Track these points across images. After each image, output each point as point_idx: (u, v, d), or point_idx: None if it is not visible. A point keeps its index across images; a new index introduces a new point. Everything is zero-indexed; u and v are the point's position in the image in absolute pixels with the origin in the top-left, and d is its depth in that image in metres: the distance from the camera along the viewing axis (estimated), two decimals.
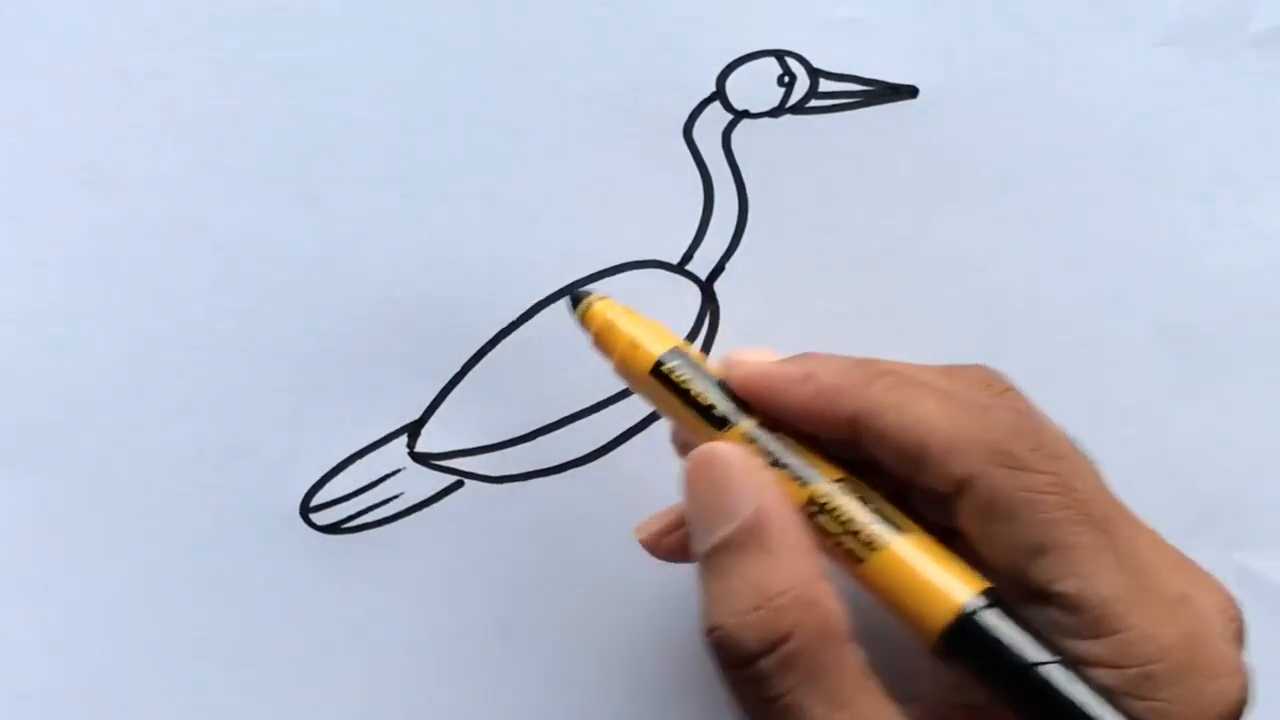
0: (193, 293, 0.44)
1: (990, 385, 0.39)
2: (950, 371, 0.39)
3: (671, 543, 0.41)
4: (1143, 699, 0.34)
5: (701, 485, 0.37)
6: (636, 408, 0.45)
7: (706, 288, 0.46)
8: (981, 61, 0.46)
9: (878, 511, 0.36)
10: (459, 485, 0.45)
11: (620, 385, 0.45)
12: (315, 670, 0.45)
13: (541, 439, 0.46)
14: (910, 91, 0.46)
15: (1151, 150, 0.47)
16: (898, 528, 0.36)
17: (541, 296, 0.45)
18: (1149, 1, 0.46)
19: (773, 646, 0.35)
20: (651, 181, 0.45)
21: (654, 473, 0.46)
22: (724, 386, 0.38)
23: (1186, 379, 0.47)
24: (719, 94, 0.45)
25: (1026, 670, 0.34)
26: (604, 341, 0.40)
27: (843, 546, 0.36)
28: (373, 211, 0.45)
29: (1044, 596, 0.35)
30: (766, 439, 0.37)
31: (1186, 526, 0.47)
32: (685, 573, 0.46)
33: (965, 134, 0.46)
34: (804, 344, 0.46)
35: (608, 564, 0.46)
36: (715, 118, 0.45)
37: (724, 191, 0.46)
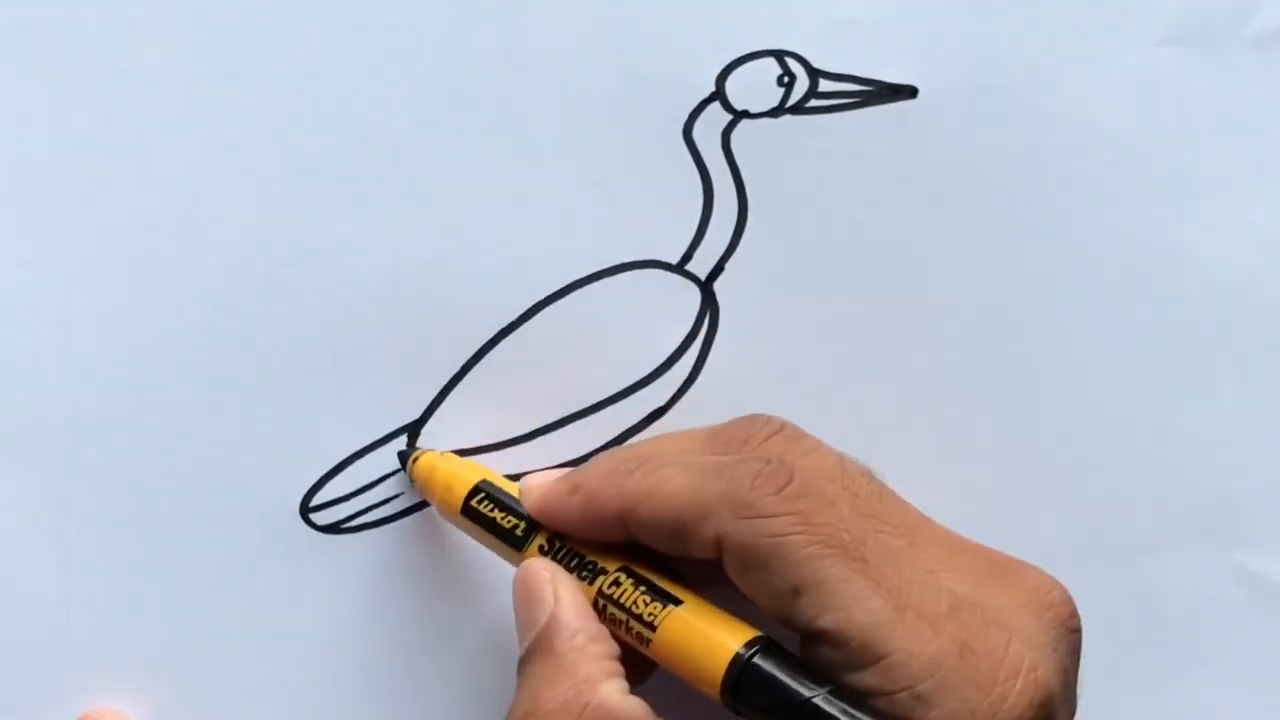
0: (193, 293, 0.44)
1: (749, 438, 0.40)
2: (714, 435, 0.41)
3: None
4: None
5: (518, 602, 0.40)
6: (636, 408, 0.45)
7: (706, 288, 0.46)
8: (981, 61, 0.46)
9: (653, 591, 0.39)
10: None
11: (620, 385, 0.45)
12: (315, 670, 0.45)
13: (541, 439, 0.46)
14: (910, 91, 0.46)
15: (1151, 150, 0.47)
16: (674, 601, 0.38)
17: (541, 296, 0.45)
18: (1149, 1, 0.46)
19: None
20: (651, 181, 0.45)
21: None
22: (520, 510, 0.42)
23: (1186, 379, 0.47)
24: (719, 94, 0.45)
25: (800, 706, 0.35)
26: (426, 490, 0.44)
27: (632, 631, 0.39)
28: (373, 211, 0.45)
29: (812, 636, 0.36)
30: (556, 548, 0.41)
31: (1186, 526, 0.47)
32: None
33: (965, 134, 0.46)
34: (804, 344, 0.46)
35: None
36: (715, 118, 0.45)
37: (724, 192, 0.46)
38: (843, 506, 0.38)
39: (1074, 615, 0.38)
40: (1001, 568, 0.39)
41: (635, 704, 0.37)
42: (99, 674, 0.45)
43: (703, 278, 0.46)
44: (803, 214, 0.46)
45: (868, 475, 0.40)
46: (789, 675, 0.36)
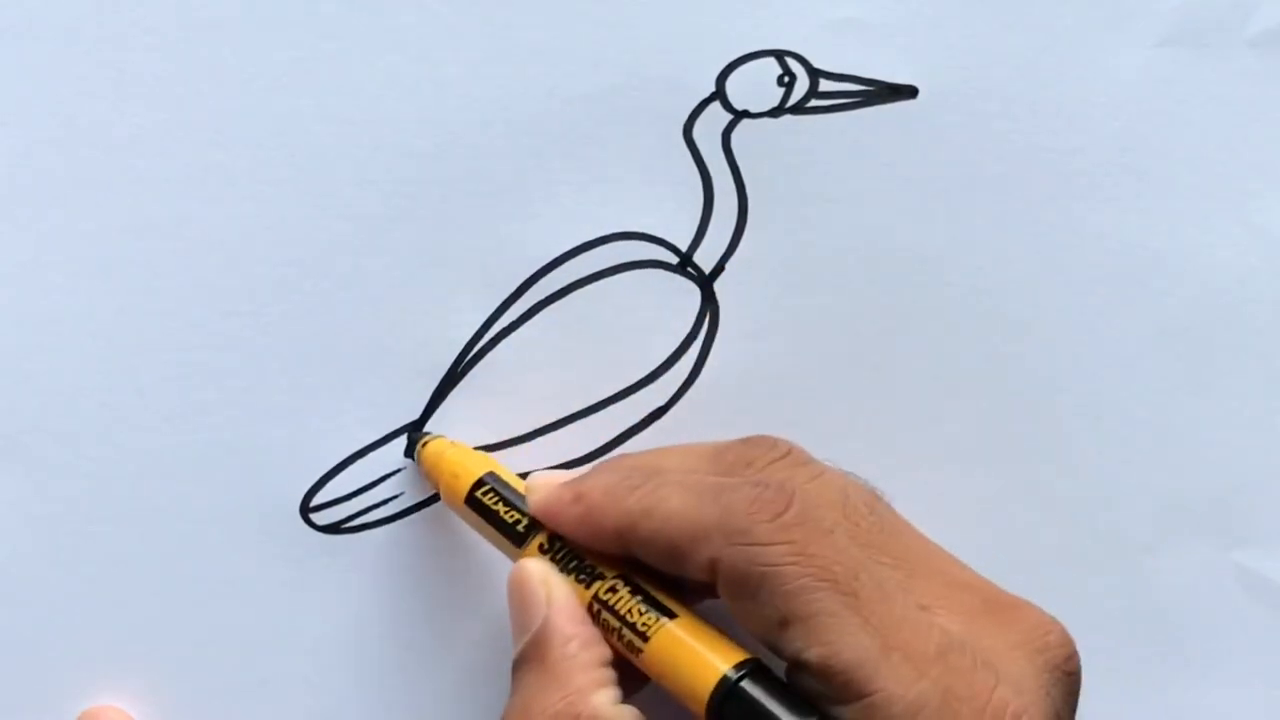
0: (193, 293, 0.44)
1: (752, 462, 0.40)
2: (719, 453, 0.40)
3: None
4: None
5: (511, 601, 0.40)
6: (636, 408, 0.45)
7: (706, 288, 0.46)
8: (981, 61, 0.46)
9: (650, 601, 0.39)
10: None
11: (620, 385, 0.45)
12: (315, 670, 0.45)
13: (541, 439, 0.46)
14: (910, 91, 0.46)
15: (1151, 150, 0.47)
16: (669, 614, 0.38)
17: (542, 297, 0.45)
18: (1148, 1, 0.46)
19: None
20: (651, 182, 0.45)
21: None
22: (523, 507, 0.42)
23: (1186, 379, 0.47)
24: (719, 94, 0.45)
25: None
26: (432, 476, 0.44)
27: (624, 639, 0.38)
28: (372, 211, 0.45)
29: (799, 666, 0.36)
30: (556, 549, 0.41)
31: (1186, 526, 0.47)
32: None
33: (965, 134, 0.46)
34: (804, 344, 0.46)
35: None
36: (715, 118, 0.45)
37: (724, 192, 0.46)
38: (840, 537, 0.37)
39: (1072, 657, 0.38)
40: (999, 605, 0.38)
41: (627, 713, 0.37)
42: (99, 674, 0.45)
43: (703, 278, 0.46)
44: (803, 214, 0.46)
45: (871, 502, 0.39)
46: (774, 701, 0.36)
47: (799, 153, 0.46)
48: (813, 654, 0.35)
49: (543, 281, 0.45)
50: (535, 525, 0.41)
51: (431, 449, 0.44)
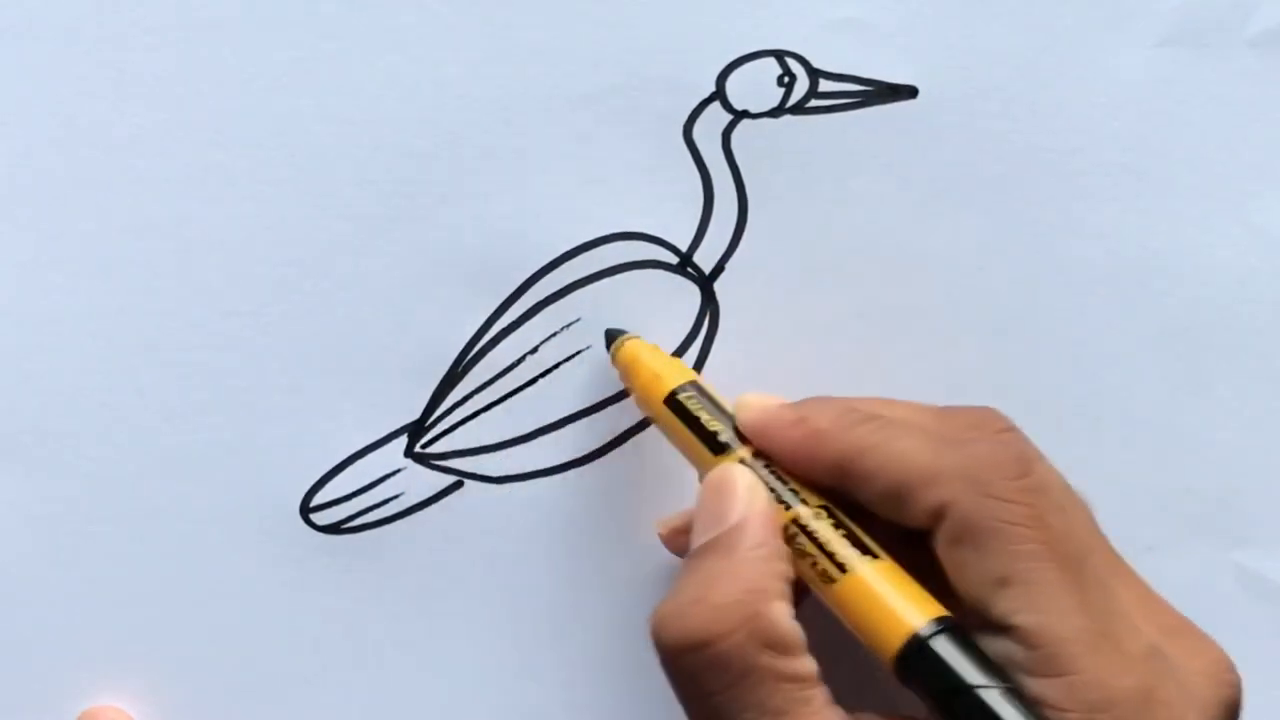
0: (193, 293, 0.44)
1: (982, 425, 0.39)
2: (945, 413, 0.40)
3: (683, 542, 0.42)
4: None
5: (708, 496, 0.39)
6: (636, 408, 0.45)
7: (706, 288, 0.46)
8: (981, 61, 0.46)
9: (851, 538, 0.38)
10: (459, 485, 0.45)
11: (620, 385, 0.45)
12: (315, 670, 0.45)
13: (541, 439, 0.46)
14: (910, 91, 0.46)
15: (1151, 150, 0.47)
16: (869, 554, 0.38)
17: (542, 297, 0.45)
18: (1148, 1, 0.46)
19: (696, 645, 0.36)
20: (651, 182, 0.45)
21: (654, 473, 0.46)
22: (728, 419, 0.41)
23: (1186, 379, 0.47)
24: (719, 94, 0.45)
25: (968, 692, 0.35)
26: (628, 374, 0.44)
27: (817, 566, 0.38)
28: (372, 211, 0.45)
29: (1003, 629, 0.36)
30: (758, 465, 0.40)
31: (1186, 526, 0.47)
32: None
33: (965, 134, 0.46)
34: (804, 344, 0.46)
35: (607, 564, 0.46)
36: (715, 118, 0.45)
37: (724, 192, 0.46)
38: (1072, 518, 0.37)
39: (1239, 700, 0.38)
40: (1186, 631, 0.38)
41: (799, 630, 0.37)
42: (99, 674, 0.45)
43: (703, 278, 0.46)
44: (803, 214, 0.46)
45: (1086, 504, 0.39)
46: (966, 661, 0.35)
47: (799, 153, 0.46)
48: (1025, 619, 0.35)
49: (543, 281, 0.45)
50: (739, 439, 0.40)
51: (629, 349, 0.44)
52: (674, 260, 0.46)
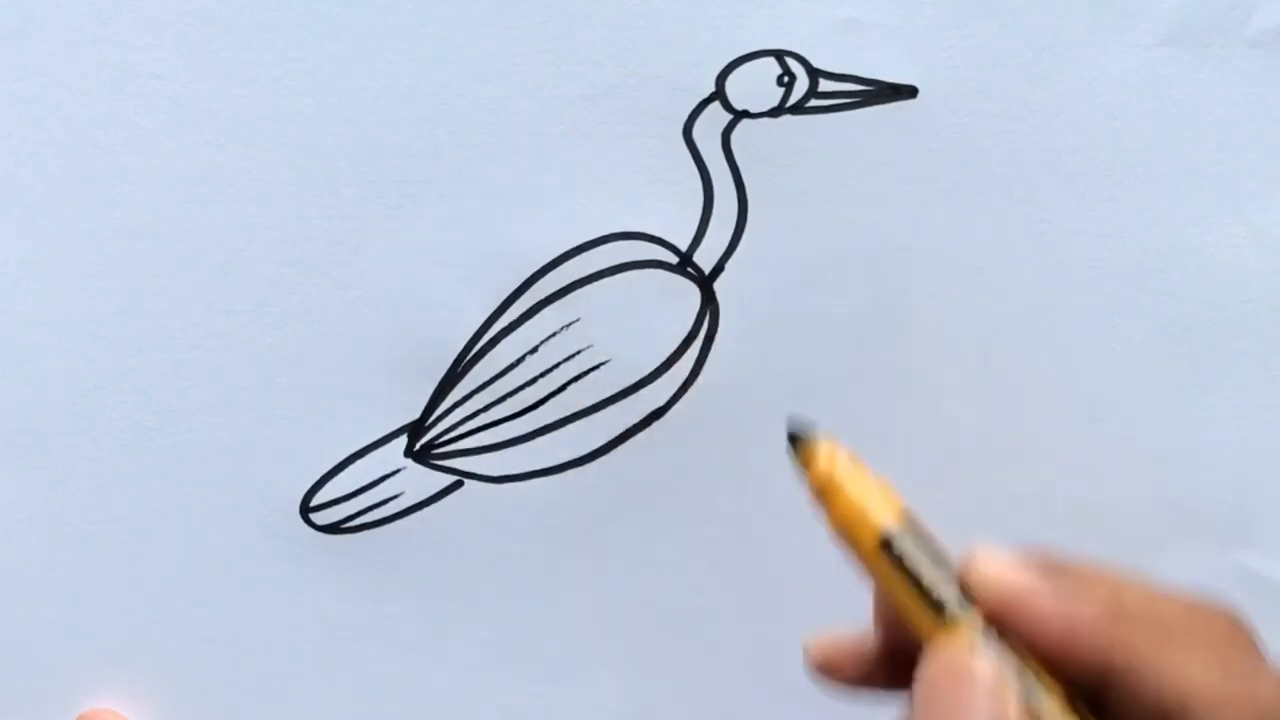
0: (193, 293, 0.44)
1: (1235, 638, 0.36)
2: (1194, 611, 0.36)
3: (848, 672, 0.38)
4: None
5: (942, 684, 0.34)
6: (637, 408, 0.45)
7: (706, 288, 0.46)
8: (981, 61, 0.46)
9: None
10: (459, 485, 0.45)
11: (620, 385, 0.45)
12: (315, 670, 0.45)
13: (541, 439, 0.46)
14: (910, 91, 0.46)
15: (1151, 150, 0.47)
16: None
17: (542, 296, 0.45)
18: (1149, 1, 0.46)
19: None
20: (651, 182, 0.45)
21: (654, 473, 0.46)
22: (947, 568, 0.35)
23: (1186, 379, 0.47)
24: (719, 94, 0.45)
25: None
26: (823, 495, 0.35)
27: None
28: (372, 211, 0.45)
29: None
30: (992, 642, 0.34)
31: (1186, 526, 0.47)
32: (687, 574, 0.46)
33: (965, 134, 0.46)
34: (804, 344, 0.46)
35: (607, 564, 0.46)
36: (715, 118, 0.45)
37: (724, 191, 0.46)
38: None
39: None
40: None
41: None
42: (99, 674, 0.45)
43: (703, 278, 0.46)
44: (803, 214, 0.46)
45: None
46: None
47: (799, 153, 0.46)
48: None
49: (543, 281, 0.45)
50: (964, 598, 0.34)
51: (824, 465, 0.35)
52: (674, 260, 0.46)
